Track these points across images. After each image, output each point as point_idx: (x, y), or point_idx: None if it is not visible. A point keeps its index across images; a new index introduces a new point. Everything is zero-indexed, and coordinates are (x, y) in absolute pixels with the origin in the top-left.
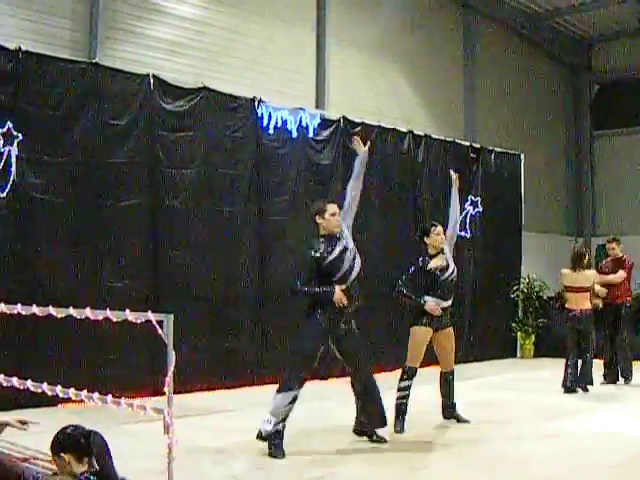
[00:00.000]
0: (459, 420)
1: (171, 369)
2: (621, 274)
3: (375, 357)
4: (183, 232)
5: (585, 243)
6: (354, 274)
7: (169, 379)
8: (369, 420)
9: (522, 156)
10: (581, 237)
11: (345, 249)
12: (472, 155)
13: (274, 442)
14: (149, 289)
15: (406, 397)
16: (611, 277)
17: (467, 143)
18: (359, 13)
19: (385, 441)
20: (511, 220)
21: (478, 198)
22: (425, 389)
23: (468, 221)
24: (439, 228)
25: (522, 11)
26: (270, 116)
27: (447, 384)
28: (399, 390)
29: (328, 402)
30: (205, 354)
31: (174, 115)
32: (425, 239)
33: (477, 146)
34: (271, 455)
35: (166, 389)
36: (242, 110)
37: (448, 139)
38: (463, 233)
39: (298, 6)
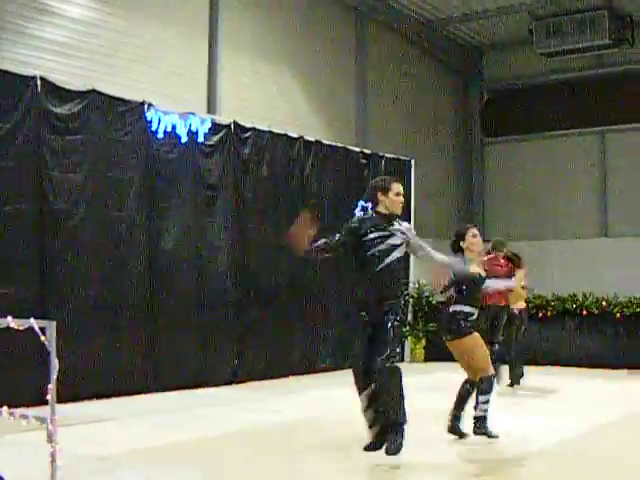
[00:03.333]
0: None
1: (54, 377)
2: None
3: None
4: (71, 237)
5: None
6: (385, 262)
7: (52, 387)
8: None
9: (412, 162)
10: None
11: (390, 235)
12: (362, 161)
13: None
14: (36, 295)
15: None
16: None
17: (358, 149)
18: (252, 18)
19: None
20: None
21: (369, 204)
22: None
23: None
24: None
25: (415, 19)
26: (160, 120)
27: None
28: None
29: None
30: (93, 360)
31: (62, 118)
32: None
33: (368, 152)
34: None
35: (49, 397)
36: (131, 114)
37: (339, 145)
38: None
39: (191, 9)
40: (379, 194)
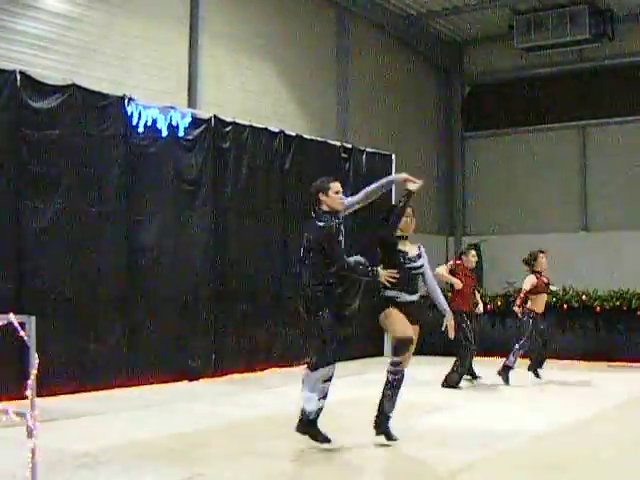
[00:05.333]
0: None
1: (34, 372)
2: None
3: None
4: (50, 233)
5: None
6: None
7: (32, 382)
8: None
9: (393, 156)
10: (452, 237)
11: (340, 229)
12: (343, 155)
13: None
14: (12, 290)
15: None
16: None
17: (339, 143)
18: (232, 11)
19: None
20: (382, 220)
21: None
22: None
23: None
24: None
25: (396, 13)
26: (140, 115)
27: None
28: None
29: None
30: (71, 356)
31: (41, 113)
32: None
33: (349, 146)
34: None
35: (29, 392)
36: (111, 108)
37: (320, 139)
38: None
39: (170, 3)
40: (320, 194)
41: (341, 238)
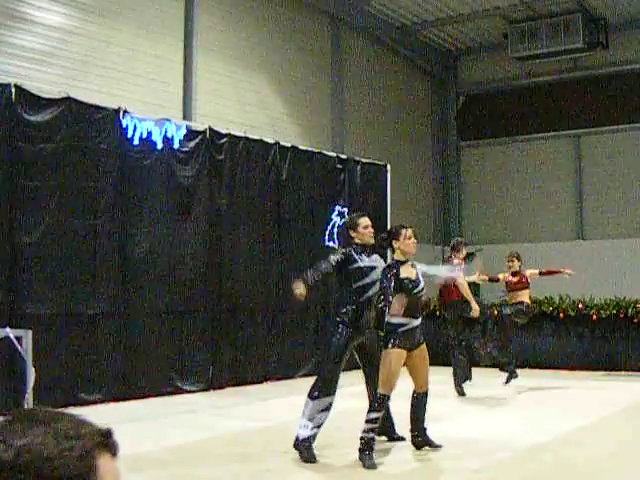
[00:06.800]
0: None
1: (31, 385)
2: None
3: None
4: (44, 246)
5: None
6: (371, 292)
7: (28, 395)
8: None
9: (388, 167)
10: (448, 246)
11: (374, 267)
12: (339, 166)
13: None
14: (7, 305)
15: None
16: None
17: (334, 154)
18: (227, 23)
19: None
20: (378, 230)
21: (345, 209)
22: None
23: (336, 232)
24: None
25: (390, 24)
26: (135, 127)
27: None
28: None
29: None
30: (66, 370)
31: (36, 126)
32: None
33: (344, 157)
34: (305, 460)
35: (25, 405)
36: (107, 121)
37: (315, 150)
38: (331, 244)
39: (166, 16)
40: (351, 232)
41: (360, 265)
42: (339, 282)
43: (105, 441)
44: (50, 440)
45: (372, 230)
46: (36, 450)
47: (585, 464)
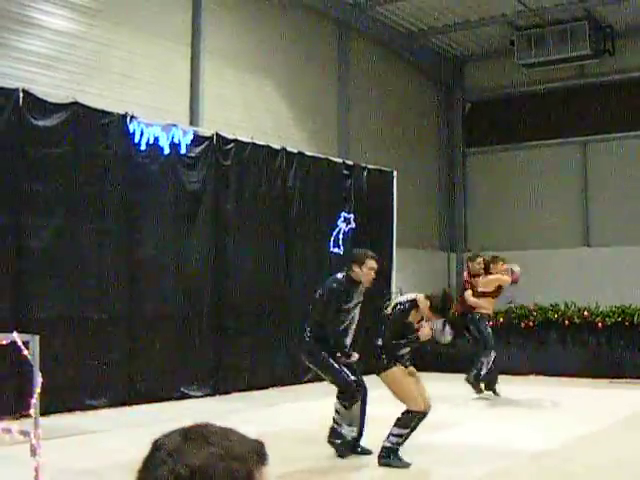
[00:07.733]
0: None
1: (37, 390)
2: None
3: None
4: (51, 250)
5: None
6: (353, 326)
7: (35, 400)
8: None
9: (394, 173)
10: (454, 252)
11: (359, 303)
12: (345, 172)
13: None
14: (13, 310)
15: None
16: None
17: (340, 160)
18: (234, 29)
19: (371, 452)
20: (383, 236)
21: (351, 215)
22: None
23: (341, 238)
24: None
25: (396, 30)
26: (142, 132)
27: None
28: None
29: None
30: (72, 374)
31: (43, 131)
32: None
33: (350, 163)
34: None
35: (32, 411)
36: (114, 126)
37: (321, 156)
38: (337, 250)
39: (173, 21)
40: (354, 264)
41: (348, 305)
42: (325, 314)
43: (262, 460)
44: (219, 462)
45: (374, 276)
46: (209, 472)
47: (587, 472)
